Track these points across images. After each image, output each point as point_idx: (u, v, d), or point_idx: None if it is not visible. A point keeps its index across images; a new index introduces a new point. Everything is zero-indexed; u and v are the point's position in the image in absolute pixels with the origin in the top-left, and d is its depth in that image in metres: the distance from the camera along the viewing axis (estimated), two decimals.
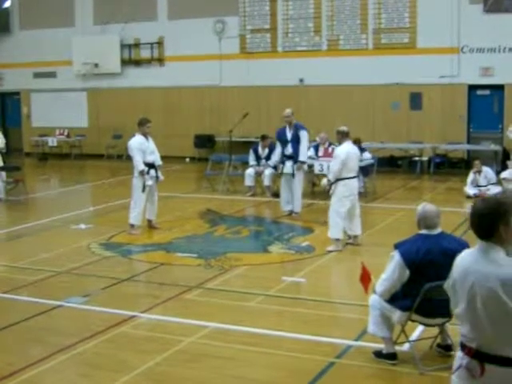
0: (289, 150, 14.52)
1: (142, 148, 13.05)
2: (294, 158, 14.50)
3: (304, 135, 14.50)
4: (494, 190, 16.32)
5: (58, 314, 8.66)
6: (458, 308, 4.06)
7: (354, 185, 11.78)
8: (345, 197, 11.56)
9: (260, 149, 17.88)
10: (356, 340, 7.52)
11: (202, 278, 10.00)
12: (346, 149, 11.61)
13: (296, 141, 14.46)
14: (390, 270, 6.69)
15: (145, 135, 13.17)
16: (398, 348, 6.95)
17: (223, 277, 10.14)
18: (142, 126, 13.17)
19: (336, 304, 9.17)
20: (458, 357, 4.09)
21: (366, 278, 7.12)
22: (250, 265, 10.99)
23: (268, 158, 17.05)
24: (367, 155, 17.31)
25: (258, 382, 6.59)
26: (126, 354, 7.28)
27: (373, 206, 16.03)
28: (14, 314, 8.66)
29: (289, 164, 14.55)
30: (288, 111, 14.61)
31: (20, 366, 6.93)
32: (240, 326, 8.02)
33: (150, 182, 13.08)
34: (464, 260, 4.08)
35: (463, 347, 4.04)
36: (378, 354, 6.95)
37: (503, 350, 3.88)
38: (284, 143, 14.60)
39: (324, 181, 12.12)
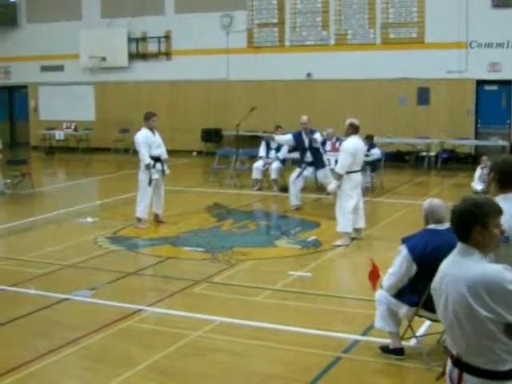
0: (308, 157, 14.85)
1: (148, 142, 13.05)
2: (314, 163, 14.85)
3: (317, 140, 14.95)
4: None
5: (65, 308, 8.67)
6: (438, 312, 3.94)
7: (359, 178, 11.81)
8: (351, 190, 11.57)
9: None
10: (363, 335, 7.50)
11: (209, 272, 9.99)
12: (354, 142, 11.59)
13: (313, 148, 14.85)
14: (397, 265, 6.66)
15: (151, 129, 13.17)
16: (404, 343, 6.93)
17: (230, 271, 10.13)
18: (148, 119, 13.18)
19: (342, 299, 9.14)
20: (448, 362, 3.98)
21: (374, 276, 7.09)
22: (257, 259, 10.98)
23: (278, 149, 17.19)
24: (377, 151, 17.25)
25: (264, 376, 6.58)
26: (131, 347, 7.28)
27: (380, 200, 16.01)
28: (20, 307, 8.66)
29: (311, 170, 14.99)
30: (305, 118, 14.85)
31: (26, 358, 6.93)
32: (246, 320, 8.00)
33: (156, 176, 13.07)
34: (444, 262, 3.94)
35: (449, 353, 3.92)
36: (385, 349, 6.93)
37: (476, 361, 3.73)
38: (302, 150, 14.91)
39: (331, 185, 12.08)
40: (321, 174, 14.99)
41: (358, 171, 11.75)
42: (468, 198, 3.88)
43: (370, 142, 16.86)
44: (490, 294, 3.61)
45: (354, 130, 11.63)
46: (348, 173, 11.50)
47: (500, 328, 3.65)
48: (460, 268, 3.75)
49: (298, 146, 15.13)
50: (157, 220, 13.50)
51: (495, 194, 5.06)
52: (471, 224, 3.73)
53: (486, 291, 3.62)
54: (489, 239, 3.76)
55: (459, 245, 3.84)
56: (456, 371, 3.82)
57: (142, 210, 13.08)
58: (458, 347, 3.80)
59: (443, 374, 4.01)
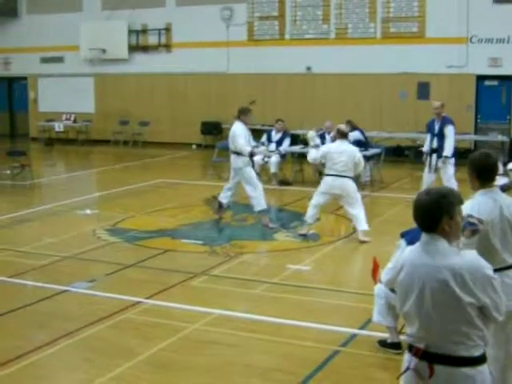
0: (434, 143, 14.44)
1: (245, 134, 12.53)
2: (438, 151, 14.36)
3: (450, 130, 14.39)
4: (501, 180, 16.34)
5: (63, 299, 8.68)
6: (406, 306, 3.97)
7: (329, 183, 11.64)
8: (321, 192, 11.72)
9: (274, 133, 17.88)
10: (361, 329, 7.52)
11: (207, 265, 10.00)
12: (333, 145, 11.84)
13: (442, 135, 14.42)
14: (395, 259, 6.66)
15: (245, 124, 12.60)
16: (402, 337, 6.94)
17: (228, 264, 10.14)
18: (246, 114, 12.60)
19: (341, 292, 9.15)
20: (405, 359, 4.03)
21: (375, 271, 7.11)
22: (255, 252, 11.01)
23: (280, 142, 17.17)
24: (357, 134, 16.87)
25: (262, 368, 6.59)
26: (130, 339, 7.29)
27: (379, 195, 16.02)
28: (19, 298, 8.68)
29: (433, 157, 14.43)
30: (437, 104, 14.39)
31: (25, 349, 6.95)
32: (244, 313, 8.03)
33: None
34: (409, 256, 4.02)
35: (410, 348, 3.98)
36: (383, 343, 6.95)
37: (451, 349, 3.81)
38: (431, 136, 14.60)
39: (311, 133, 12.37)
40: (440, 161, 14.55)
41: (332, 176, 11.55)
42: (430, 190, 4.02)
43: (351, 125, 16.44)
44: (474, 279, 3.77)
45: (340, 135, 11.77)
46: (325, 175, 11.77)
47: (476, 313, 3.80)
48: (435, 257, 3.86)
49: (429, 132, 14.66)
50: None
51: (478, 190, 5.28)
52: (440, 215, 3.87)
53: (470, 277, 3.77)
54: (455, 228, 3.92)
55: (425, 236, 3.94)
56: (423, 364, 3.88)
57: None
58: (429, 338, 3.86)
59: (404, 372, 4.01)
